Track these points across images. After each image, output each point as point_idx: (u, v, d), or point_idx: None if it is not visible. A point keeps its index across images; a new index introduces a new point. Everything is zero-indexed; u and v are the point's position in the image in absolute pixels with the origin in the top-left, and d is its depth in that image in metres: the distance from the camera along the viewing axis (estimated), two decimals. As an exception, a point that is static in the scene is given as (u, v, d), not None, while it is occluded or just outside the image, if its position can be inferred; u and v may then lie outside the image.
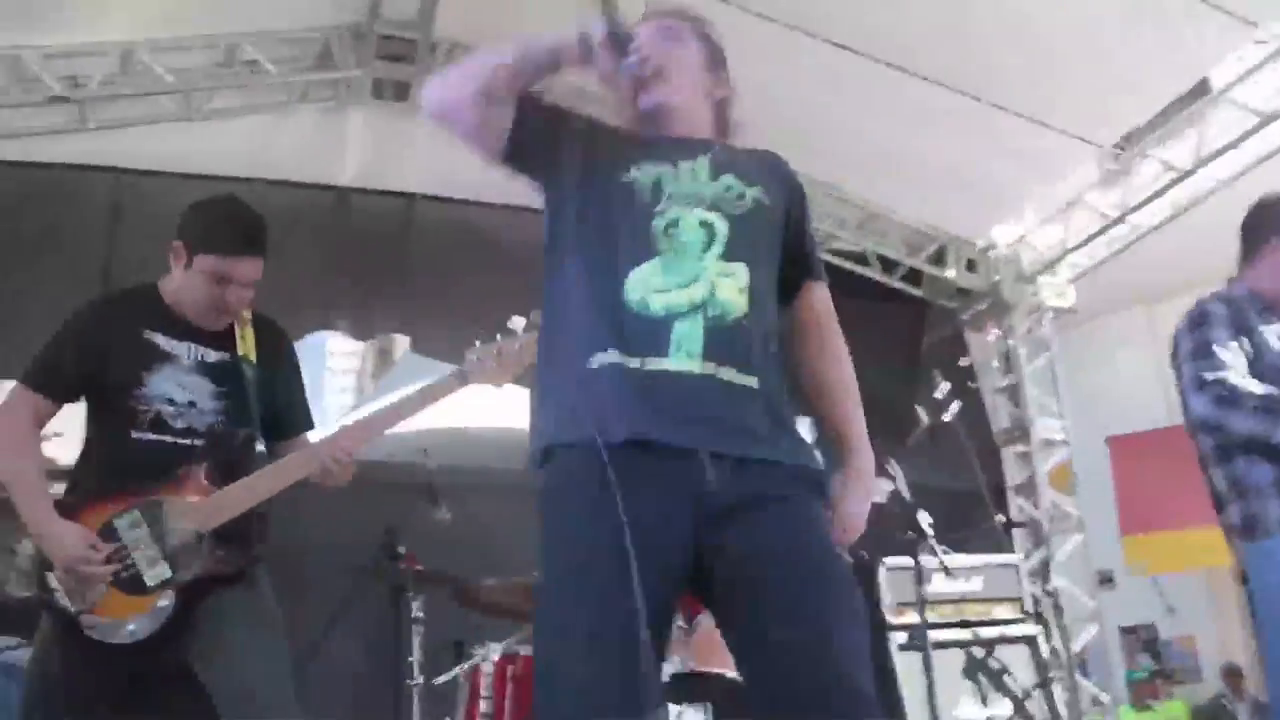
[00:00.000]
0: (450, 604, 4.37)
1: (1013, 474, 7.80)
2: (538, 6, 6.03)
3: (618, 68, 2.04)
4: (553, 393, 2.00)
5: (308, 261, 6.23)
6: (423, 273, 6.70)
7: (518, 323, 2.91)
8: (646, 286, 1.95)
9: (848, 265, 7.66)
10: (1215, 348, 2.92)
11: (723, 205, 2.05)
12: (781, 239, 2.14)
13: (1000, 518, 7.06)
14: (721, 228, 2.02)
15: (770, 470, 1.92)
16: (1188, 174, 6.53)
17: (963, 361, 8.39)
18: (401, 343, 6.94)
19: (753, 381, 1.96)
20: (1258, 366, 2.92)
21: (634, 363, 1.90)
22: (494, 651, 4.05)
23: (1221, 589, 8.97)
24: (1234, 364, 2.90)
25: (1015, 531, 7.20)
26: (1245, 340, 2.96)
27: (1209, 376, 2.89)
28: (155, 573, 2.62)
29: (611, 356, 1.91)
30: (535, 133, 2.10)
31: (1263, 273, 3.14)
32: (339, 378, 7.31)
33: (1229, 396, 2.83)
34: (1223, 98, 6.27)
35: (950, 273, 7.88)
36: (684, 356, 1.91)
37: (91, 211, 6.04)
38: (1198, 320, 3.02)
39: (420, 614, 4.28)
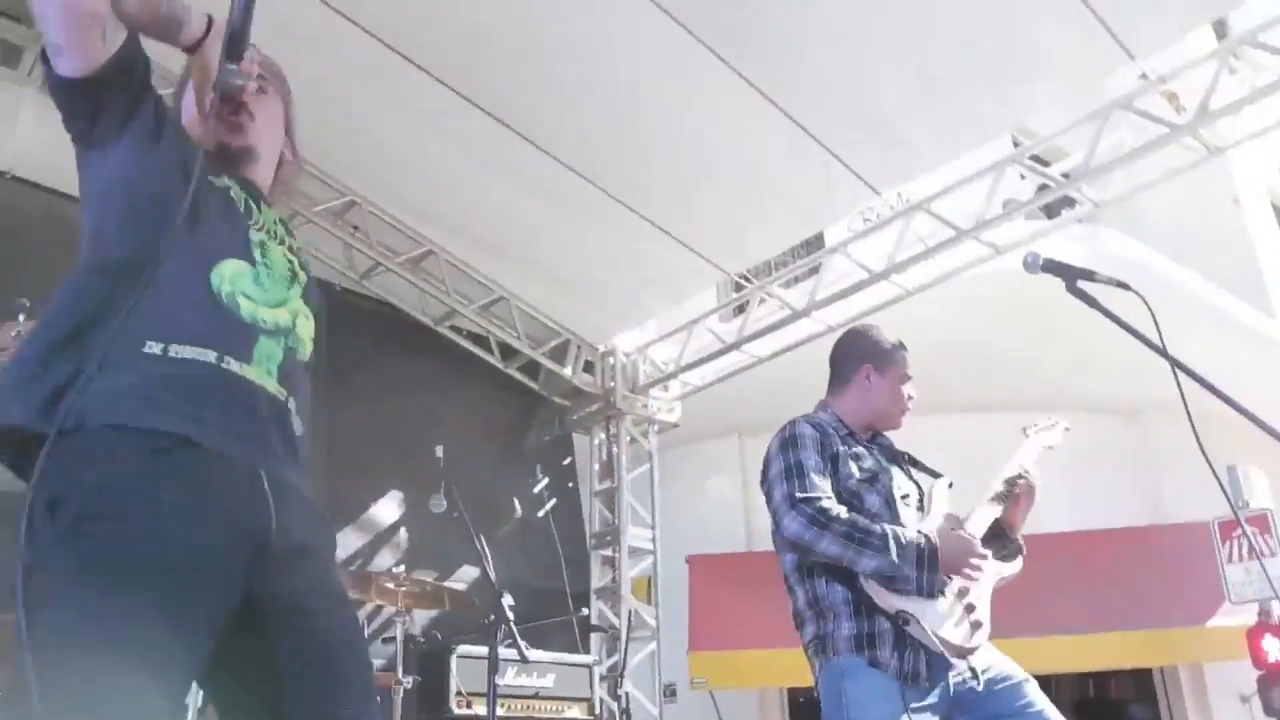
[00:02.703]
0: None
1: (598, 577, 7.83)
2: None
3: (222, 72, 1.79)
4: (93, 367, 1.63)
5: None
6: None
7: None
8: (236, 286, 1.83)
9: (465, 344, 7.56)
10: (808, 469, 2.99)
11: (298, 257, 2.04)
12: None
13: (584, 611, 7.05)
14: (301, 275, 2.01)
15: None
16: (799, 315, 6.93)
17: (565, 461, 8.44)
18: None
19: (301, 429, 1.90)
20: (836, 489, 3.01)
21: (211, 356, 1.75)
22: None
23: (771, 709, 9.42)
24: (824, 487, 2.97)
25: (591, 635, 7.19)
26: (829, 464, 3.05)
27: (801, 496, 2.93)
28: None
29: (198, 350, 1.74)
30: (127, 79, 1.83)
31: (849, 399, 3.26)
32: None
33: (820, 519, 2.88)
34: (840, 251, 6.75)
35: (567, 371, 7.92)
36: (265, 372, 1.82)
37: None
38: (790, 441, 3.07)
39: None
